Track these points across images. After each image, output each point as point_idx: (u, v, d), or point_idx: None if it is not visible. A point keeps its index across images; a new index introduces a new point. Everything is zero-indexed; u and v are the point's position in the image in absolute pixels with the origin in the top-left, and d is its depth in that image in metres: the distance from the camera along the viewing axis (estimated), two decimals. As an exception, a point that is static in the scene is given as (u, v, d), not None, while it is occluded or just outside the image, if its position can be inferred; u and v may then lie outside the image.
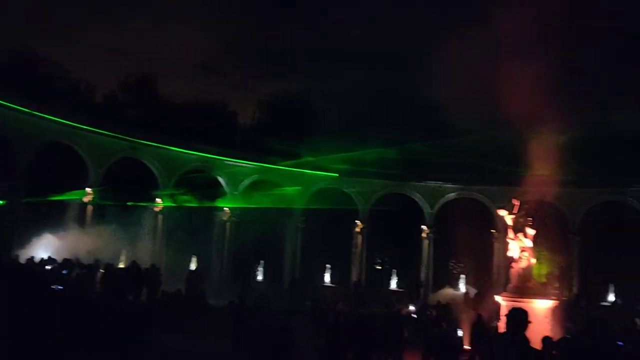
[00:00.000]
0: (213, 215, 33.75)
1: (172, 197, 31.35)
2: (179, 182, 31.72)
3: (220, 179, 33.48)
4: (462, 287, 33.76)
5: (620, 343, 16.84)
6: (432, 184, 35.97)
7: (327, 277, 35.65)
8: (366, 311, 18.12)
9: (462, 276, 35.14)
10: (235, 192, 33.63)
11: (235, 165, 33.43)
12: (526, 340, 6.76)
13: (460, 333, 15.09)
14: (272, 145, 34.24)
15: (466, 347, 16.33)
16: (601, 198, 32.94)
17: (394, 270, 36.62)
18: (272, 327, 12.56)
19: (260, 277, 35.06)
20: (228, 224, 33.80)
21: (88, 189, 28.53)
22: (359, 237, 36.27)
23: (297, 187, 34.53)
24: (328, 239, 34.62)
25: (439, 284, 34.36)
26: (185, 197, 31.59)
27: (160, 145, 30.92)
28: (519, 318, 6.64)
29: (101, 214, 28.57)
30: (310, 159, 34.31)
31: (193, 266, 31.72)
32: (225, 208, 33.50)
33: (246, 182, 33.85)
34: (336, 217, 34.48)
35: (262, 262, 35.19)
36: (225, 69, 66.98)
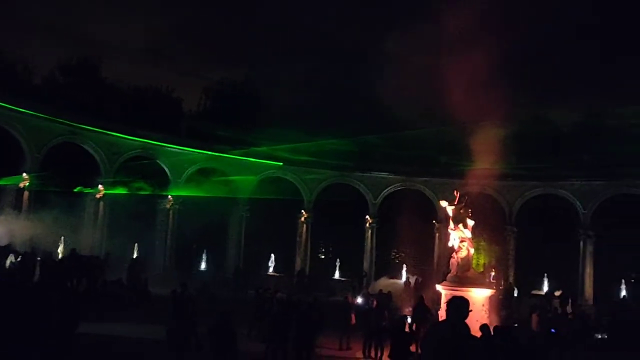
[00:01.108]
0: (156, 203, 33.25)
1: (114, 184, 30.70)
2: (121, 168, 31.06)
3: (164, 166, 32.98)
4: (404, 276, 34.44)
5: (553, 330, 17.68)
6: (376, 175, 36.44)
7: (271, 266, 35.71)
8: (310, 299, 18.27)
9: (404, 265, 35.85)
10: (179, 180, 33.22)
11: (180, 153, 32.97)
12: (467, 328, 6.99)
13: (409, 320, 15.48)
14: (218, 133, 33.92)
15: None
16: (537, 191, 34.12)
17: (338, 260, 37.00)
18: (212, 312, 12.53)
19: (203, 266, 34.79)
20: (171, 212, 33.37)
21: (25, 175, 27.64)
22: (304, 227, 36.45)
23: (243, 176, 34.37)
24: (273, 228, 34.65)
25: (382, 273, 34.94)
26: (127, 184, 30.96)
27: (102, 131, 30.17)
28: (460, 306, 6.86)
29: (41, 200, 27.71)
30: (257, 148, 34.19)
31: (135, 254, 31.21)
32: (168, 196, 33.06)
33: (191, 170, 33.46)
34: (281, 207, 34.53)
35: (205, 250, 34.93)
36: (172, 54, 65.81)
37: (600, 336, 21.94)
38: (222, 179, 33.68)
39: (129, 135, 31.20)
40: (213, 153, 33.70)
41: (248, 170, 34.71)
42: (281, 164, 35.24)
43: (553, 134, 31.16)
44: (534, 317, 21.03)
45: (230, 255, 34.90)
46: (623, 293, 31.08)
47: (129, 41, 53.71)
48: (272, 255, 35.66)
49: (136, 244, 31.72)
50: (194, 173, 33.56)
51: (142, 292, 24.91)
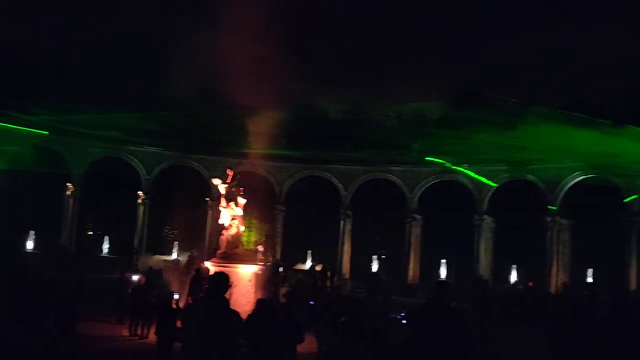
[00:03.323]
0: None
1: None
2: None
3: None
4: (175, 253, 34.39)
5: (311, 302, 19.11)
6: (150, 149, 35.66)
7: (30, 243, 33.16)
8: (75, 277, 17.53)
9: (176, 242, 35.75)
10: None
11: None
12: (226, 302, 7.42)
13: (175, 296, 15.57)
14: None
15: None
16: (305, 172, 36.33)
17: (106, 236, 35.63)
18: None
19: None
20: None
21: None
22: (70, 201, 34.42)
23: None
24: (34, 203, 32.15)
25: (153, 250, 34.48)
26: None
27: None
28: (219, 281, 7.26)
29: None
30: (19, 114, 31.19)
31: None
32: None
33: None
34: (45, 179, 32.11)
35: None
36: None
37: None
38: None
39: None
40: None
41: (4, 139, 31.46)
42: (47, 132, 32.62)
43: (323, 120, 33.28)
44: (282, 291, 22.43)
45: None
46: (374, 268, 34.49)
47: None
48: (32, 231, 33.12)
49: None
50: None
51: None
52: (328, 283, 27.75)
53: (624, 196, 28.09)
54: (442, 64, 30.66)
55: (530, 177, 31.08)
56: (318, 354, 12.96)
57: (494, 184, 31.90)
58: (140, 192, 35.66)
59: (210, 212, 34.58)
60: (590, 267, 30.14)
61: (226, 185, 21.06)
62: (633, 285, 26.60)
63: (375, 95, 30.38)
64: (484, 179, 31.97)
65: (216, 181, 21.73)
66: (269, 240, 34.47)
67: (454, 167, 32.22)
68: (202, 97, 28.88)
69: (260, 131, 24.45)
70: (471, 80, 30.50)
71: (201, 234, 35.29)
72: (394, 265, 33.86)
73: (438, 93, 30.34)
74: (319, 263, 31.61)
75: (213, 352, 6.96)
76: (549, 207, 30.35)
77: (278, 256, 34.35)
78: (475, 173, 32.27)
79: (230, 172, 21.35)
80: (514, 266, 32.14)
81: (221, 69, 20.61)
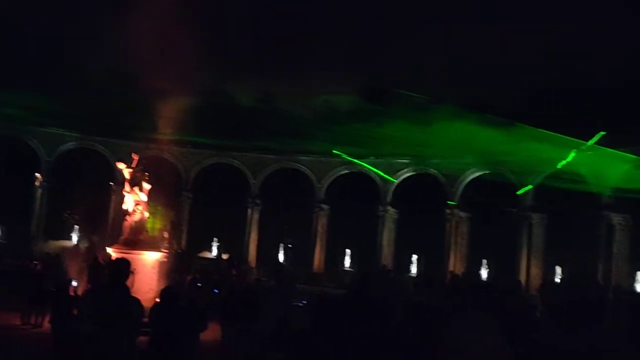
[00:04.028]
0: None
1: None
2: None
3: None
4: (75, 239, 33.15)
5: (215, 291, 19.11)
6: (52, 130, 34.02)
7: None
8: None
9: (76, 228, 34.45)
10: None
11: None
12: (126, 289, 7.34)
13: (74, 284, 15.07)
14: None
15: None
16: (213, 160, 35.96)
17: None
18: None
19: None
20: None
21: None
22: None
23: None
24: None
25: (52, 236, 33.07)
26: None
27: None
28: (120, 268, 7.17)
29: None
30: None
31: None
32: None
33: None
34: None
35: None
36: None
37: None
38: None
39: None
40: None
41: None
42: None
43: (234, 108, 33.05)
44: (187, 279, 22.33)
45: None
46: (281, 257, 34.77)
47: None
48: None
49: None
50: None
51: None
52: (234, 271, 27.71)
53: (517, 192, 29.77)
54: (354, 59, 31.29)
55: (432, 171, 32.24)
56: (221, 341, 12.99)
57: (393, 179, 32.87)
58: (38, 175, 34.03)
59: (114, 197, 33.53)
60: (484, 258, 31.78)
61: (131, 170, 20.55)
62: (523, 276, 28.26)
63: (287, 85, 30.55)
64: (381, 173, 32.89)
65: (121, 165, 21.15)
66: (174, 228, 33.90)
67: (355, 161, 32.94)
68: (111, 79, 27.96)
69: (169, 116, 24.03)
70: (381, 76, 31.31)
71: (104, 220, 34.17)
72: (301, 254, 34.24)
73: (349, 86, 30.93)
74: (226, 251, 31.53)
75: (112, 340, 6.89)
76: (448, 202, 31.67)
77: (183, 244, 33.90)
78: (382, 166, 33.14)
79: (135, 157, 20.85)
80: (415, 256, 33.35)
81: (131, 52, 20.05)
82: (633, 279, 26.41)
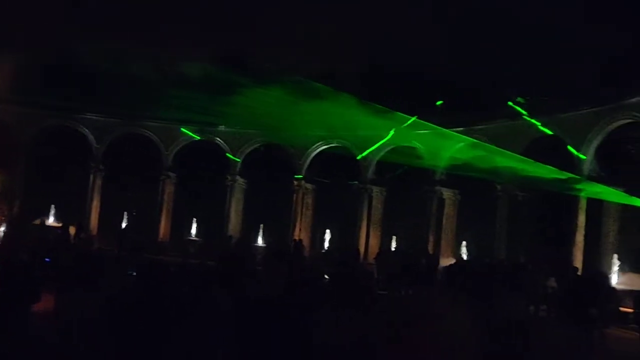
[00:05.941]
0: None
1: None
2: None
3: None
4: None
5: (47, 260, 18.14)
6: None
7: None
8: None
9: None
10: None
11: None
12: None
13: None
14: None
15: None
16: (54, 121, 33.80)
17: None
18: None
19: None
20: None
21: None
22: None
23: None
24: None
25: None
26: None
27: None
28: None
29: None
30: None
31: None
32: None
33: None
34: None
35: None
36: None
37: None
38: None
39: None
40: None
41: None
42: None
43: (79, 67, 31.11)
44: (22, 247, 21.14)
45: None
46: (124, 225, 33.47)
47: None
48: None
49: None
50: None
51: None
52: (71, 239, 26.50)
53: (360, 164, 31.32)
54: (211, 25, 30.78)
55: (283, 143, 32.74)
56: (55, 312, 12.52)
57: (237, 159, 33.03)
58: None
59: None
60: (327, 229, 33.19)
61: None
62: (362, 246, 29.96)
63: (137, 47, 29.32)
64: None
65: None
66: (6, 194, 31.63)
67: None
68: None
69: (4, 72, 22.32)
70: (236, 45, 31.11)
71: None
72: (146, 223, 33.39)
73: (204, 54, 30.44)
74: (64, 218, 29.99)
75: None
76: (295, 175, 32.62)
77: (17, 210, 31.74)
78: (232, 135, 33.19)
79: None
80: (261, 225, 33.88)
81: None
82: (458, 248, 28.98)
